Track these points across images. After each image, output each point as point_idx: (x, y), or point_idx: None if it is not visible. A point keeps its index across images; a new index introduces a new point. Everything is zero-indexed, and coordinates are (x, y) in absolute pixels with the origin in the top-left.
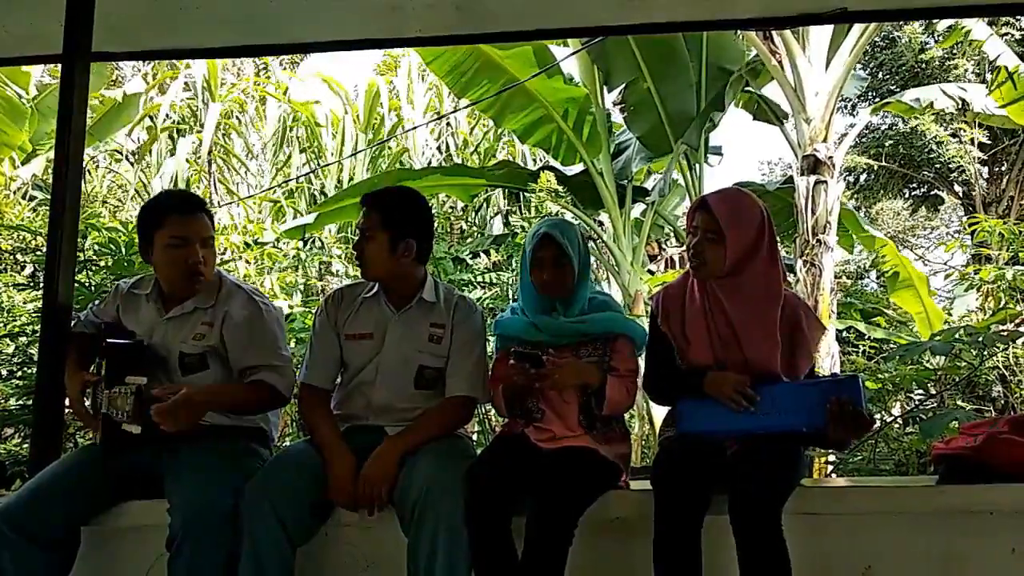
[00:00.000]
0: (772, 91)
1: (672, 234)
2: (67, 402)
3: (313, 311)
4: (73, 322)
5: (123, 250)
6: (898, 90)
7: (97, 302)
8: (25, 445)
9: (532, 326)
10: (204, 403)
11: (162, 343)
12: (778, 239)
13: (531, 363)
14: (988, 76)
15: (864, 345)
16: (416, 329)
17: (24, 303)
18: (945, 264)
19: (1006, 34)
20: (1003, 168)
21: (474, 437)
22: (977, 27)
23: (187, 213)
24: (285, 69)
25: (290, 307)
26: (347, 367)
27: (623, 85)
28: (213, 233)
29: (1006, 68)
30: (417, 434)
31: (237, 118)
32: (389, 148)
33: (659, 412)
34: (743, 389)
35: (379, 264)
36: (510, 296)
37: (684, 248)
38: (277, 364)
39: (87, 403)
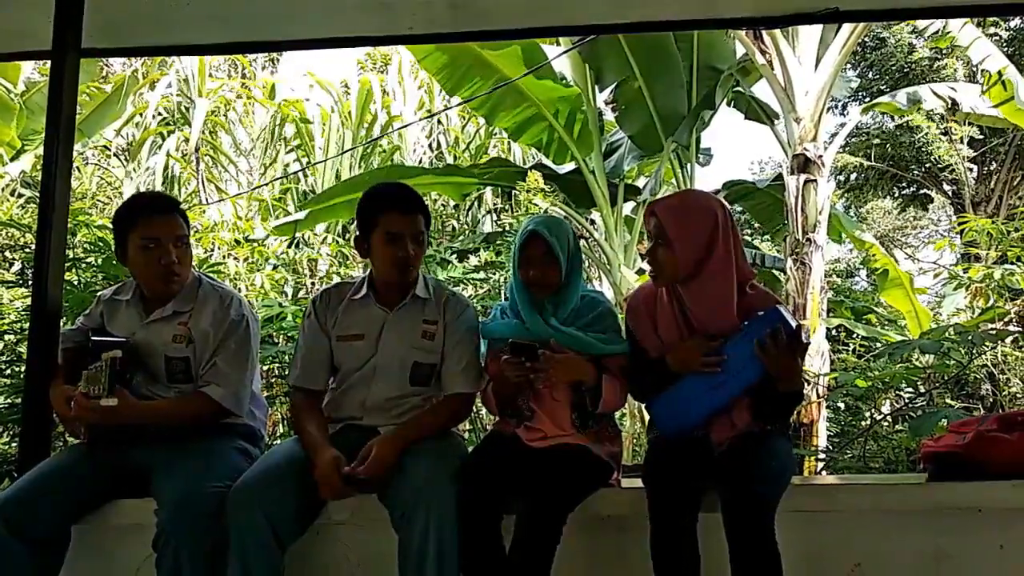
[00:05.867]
0: (763, 90)
1: None
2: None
3: (304, 308)
4: (61, 339)
5: (112, 248)
6: (888, 90)
7: (82, 315)
8: (14, 444)
9: (524, 329)
10: (129, 417)
11: (145, 346)
12: (763, 233)
13: (527, 355)
14: (978, 75)
15: (854, 343)
16: (410, 326)
17: (12, 301)
18: (934, 263)
19: (994, 35)
20: (992, 167)
21: (464, 435)
22: (965, 28)
23: (159, 213)
24: (264, 67)
25: (281, 305)
26: (339, 368)
27: (614, 84)
28: (187, 232)
29: (998, 73)
30: (420, 429)
31: (225, 115)
32: (380, 146)
33: None
34: (707, 350)
35: (419, 266)
36: (502, 295)
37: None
38: (225, 378)
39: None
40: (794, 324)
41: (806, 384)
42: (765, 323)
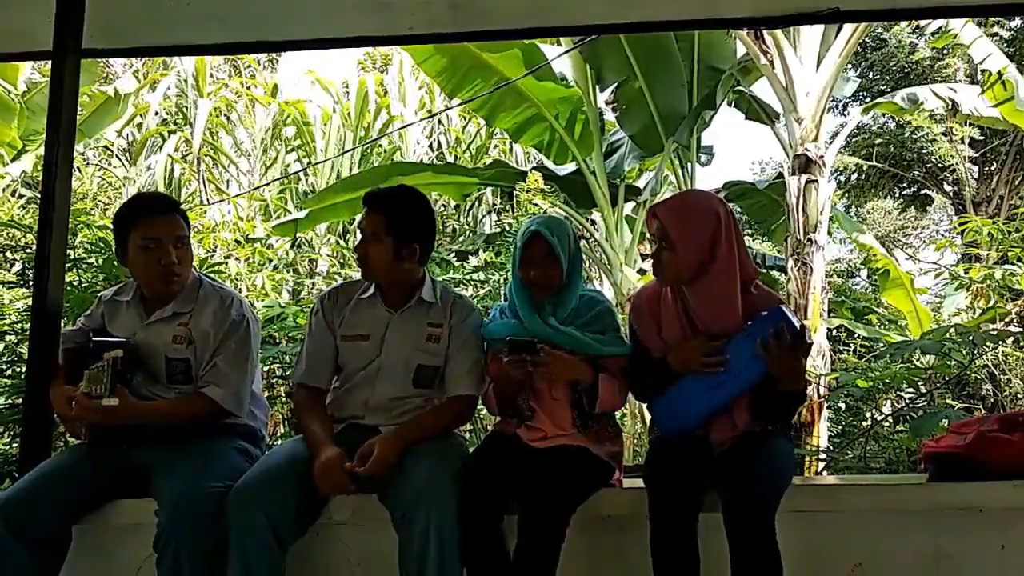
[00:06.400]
0: (764, 90)
1: None
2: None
3: (305, 309)
4: (62, 339)
5: (113, 248)
6: (889, 90)
7: (83, 315)
8: (15, 444)
9: (522, 328)
10: (129, 417)
11: (146, 346)
12: (763, 234)
13: (527, 350)
14: (979, 75)
15: (855, 344)
16: (414, 329)
17: (13, 301)
18: (935, 264)
19: (995, 34)
20: (993, 168)
21: (465, 436)
22: (966, 28)
23: (159, 214)
24: (264, 68)
25: (280, 306)
26: (343, 367)
27: (615, 84)
28: (187, 233)
29: (998, 73)
30: (422, 430)
31: (226, 116)
32: (380, 146)
33: None
34: (708, 351)
35: (381, 268)
36: (502, 296)
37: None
38: (226, 378)
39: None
40: (797, 324)
41: (807, 385)
42: (768, 323)
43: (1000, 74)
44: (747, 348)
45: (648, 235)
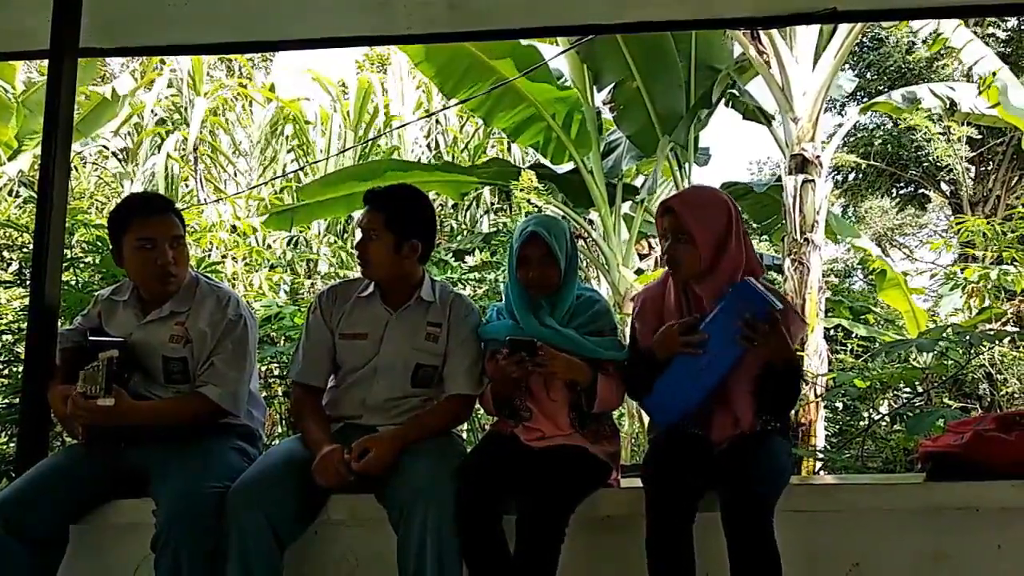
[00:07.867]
0: (761, 90)
1: None
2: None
3: (302, 309)
4: (59, 339)
5: (110, 248)
6: (886, 90)
7: (80, 315)
8: (12, 444)
9: (518, 329)
10: (126, 417)
11: (143, 346)
12: (761, 234)
13: (526, 350)
14: (976, 75)
15: (852, 344)
16: (413, 328)
17: (10, 301)
18: (932, 263)
19: (991, 35)
20: (990, 167)
21: (463, 436)
22: (957, 32)
23: (153, 214)
24: (258, 68)
25: (278, 305)
26: (341, 366)
27: (612, 84)
28: (182, 232)
29: (992, 74)
30: (421, 430)
31: (224, 115)
32: (378, 146)
33: None
34: (684, 331)
35: (382, 265)
36: (501, 296)
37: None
38: (223, 378)
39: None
40: (767, 295)
41: (805, 384)
42: (736, 297)
43: (994, 75)
44: (721, 325)
45: (658, 231)
